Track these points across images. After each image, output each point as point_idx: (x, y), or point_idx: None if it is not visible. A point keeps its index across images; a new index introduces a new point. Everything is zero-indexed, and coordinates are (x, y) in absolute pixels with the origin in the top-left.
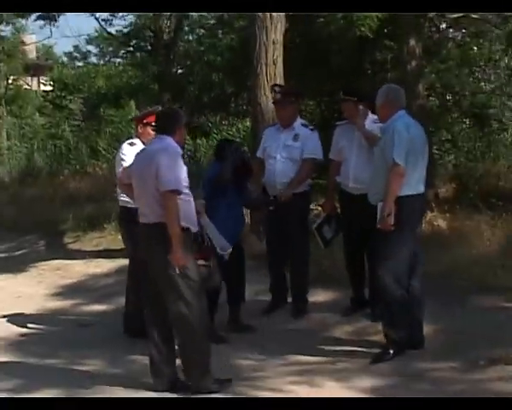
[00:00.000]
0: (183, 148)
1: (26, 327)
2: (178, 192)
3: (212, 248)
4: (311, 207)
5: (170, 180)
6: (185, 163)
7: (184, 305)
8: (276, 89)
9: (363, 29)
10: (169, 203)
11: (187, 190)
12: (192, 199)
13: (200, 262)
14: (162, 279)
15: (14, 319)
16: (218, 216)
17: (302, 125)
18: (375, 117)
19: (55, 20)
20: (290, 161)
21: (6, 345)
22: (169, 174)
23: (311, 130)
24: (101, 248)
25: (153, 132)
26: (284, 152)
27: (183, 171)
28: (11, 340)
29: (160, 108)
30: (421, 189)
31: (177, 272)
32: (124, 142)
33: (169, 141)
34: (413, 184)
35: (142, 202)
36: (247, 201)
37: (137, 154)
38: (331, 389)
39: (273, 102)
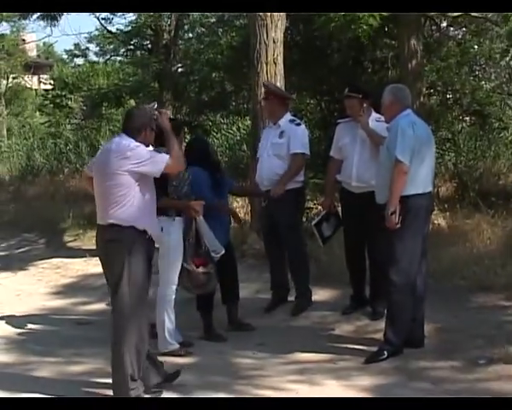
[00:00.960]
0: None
1: (26, 325)
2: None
3: (208, 253)
4: (311, 205)
5: (152, 161)
6: None
7: (123, 311)
8: (263, 86)
9: (361, 30)
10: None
11: (151, 189)
12: (155, 200)
13: (200, 269)
14: (113, 279)
15: (14, 317)
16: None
17: (289, 121)
18: (379, 115)
19: (57, 20)
20: (277, 157)
21: (5, 343)
22: (146, 157)
23: (297, 125)
24: None
25: None
26: (271, 149)
27: None
28: (10, 338)
29: (156, 104)
30: (428, 188)
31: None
32: None
33: (122, 141)
34: (419, 182)
35: (97, 202)
36: (233, 187)
37: (99, 152)
38: (331, 388)
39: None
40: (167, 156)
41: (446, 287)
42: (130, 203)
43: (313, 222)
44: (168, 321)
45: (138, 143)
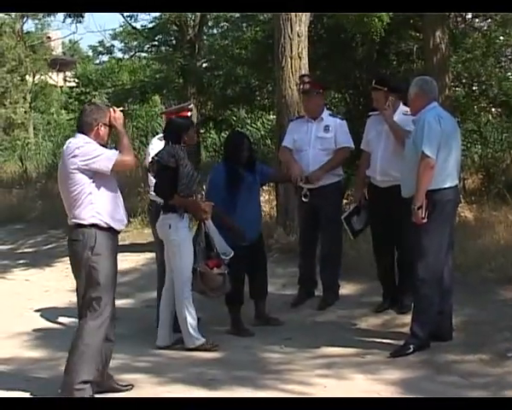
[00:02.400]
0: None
1: (54, 321)
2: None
3: (219, 256)
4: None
5: (104, 158)
6: None
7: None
8: (305, 79)
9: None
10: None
11: (111, 187)
12: (118, 196)
13: (216, 271)
14: (78, 279)
15: (42, 312)
16: (237, 210)
17: (330, 115)
18: (406, 109)
19: (82, 17)
20: (323, 151)
21: (33, 339)
22: (95, 153)
23: (341, 119)
24: (127, 242)
25: None
26: (317, 144)
27: None
28: (38, 334)
29: (192, 104)
30: (455, 181)
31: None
32: (154, 136)
33: (73, 140)
34: (445, 176)
35: (64, 203)
36: (267, 177)
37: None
38: (358, 382)
39: (302, 93)
40: (117, 153)
41: (474, 280)
42: (88, 201)
43: (343, 215)
44: (190, 317)
45: (89, 140)
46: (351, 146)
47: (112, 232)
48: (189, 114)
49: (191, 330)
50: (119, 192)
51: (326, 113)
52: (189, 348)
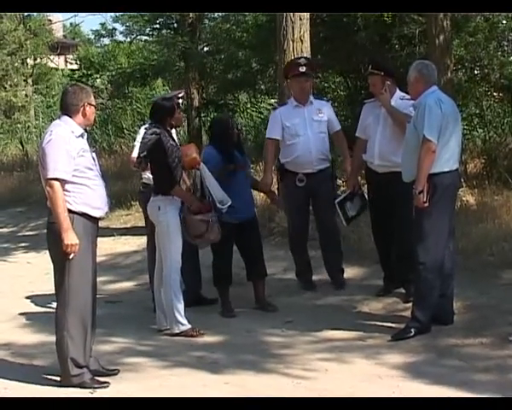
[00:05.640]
0: (87, 131)
1: (54, 304)
2: (58, 180)
3: (212, 203)
4: (338, 183)
5: (48, 169)
6: (92, 146)
7: (64, 294)
8: (302, 61)
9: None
10: (48, 190)
11: (88, 174)
12: (99, 183)
13: (199, 217)
14: (54, 261)
15: (43, 295)
16: (235, 191)
17: (316, 98)
18: (403, 94)
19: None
20: (321, 134)
21: (34, 321)
22: (48, 162)
23: (327, 101)
24: (128, 225)
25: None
26: (314, 127)
27: (65, 157)
28: (39, 316)
29: (183, 92)
30: (455, 165)
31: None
32: (142, 125)
33: (60, 126)
34: (446, 160)
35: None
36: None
37: None
38: (360, 366)
39: (299, 75)
40: (58, 174)
41: (475, 264)
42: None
43: (336, 200)
44: (176, 301)
45: (55, 136)
46: (340, 128)
47: (89, 219)
48: (180, 102)
49: (177, 315)
50: (99, 179)
51: (311, 96)
52: (175, 334)
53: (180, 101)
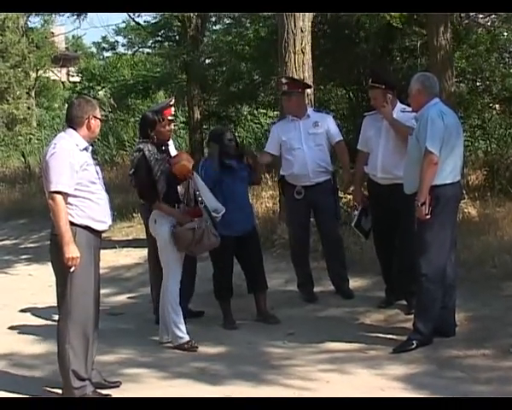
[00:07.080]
0: (92, 144)
1: (57, 316)
2: (60, 193)
3: (205, 211)
4: (341, 195)
5: (50, 182)
6: (95, 159)
7: (66, 307)
8: (283, 80)
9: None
10: (50, 203)
11: (91, 188)
12: (102, 196)
13: (187, 226)
14: (56, 273)
15: (46, 308)
16: (235, 202)
17: (315, 111)
18: (404, 106)
19: (85, 14)
20: (317, 147)
21: (37, 334)
22: (51, 175)
23: (327, 113)
24: (130, 237)
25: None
26: (310, 140)
27: (69, 171)
28: (42, 329)
29: (173, 100)
30: (457, 177)
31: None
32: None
33: (64, 139)
34: (448, 172)
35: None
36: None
37: None
38: (362, 377)
39: (282, 94)
40: (61, 187)
41: (477, 276)
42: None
43: (353, 222)
44: (173, 314)
45: (58, 149)
46: (342, 139)
47: (93, 232)
48: (172, 110)
49: (173, 328)
50: (102, 193)
51: (310, 109)
52: (174, 346)
53: (172, 109)
